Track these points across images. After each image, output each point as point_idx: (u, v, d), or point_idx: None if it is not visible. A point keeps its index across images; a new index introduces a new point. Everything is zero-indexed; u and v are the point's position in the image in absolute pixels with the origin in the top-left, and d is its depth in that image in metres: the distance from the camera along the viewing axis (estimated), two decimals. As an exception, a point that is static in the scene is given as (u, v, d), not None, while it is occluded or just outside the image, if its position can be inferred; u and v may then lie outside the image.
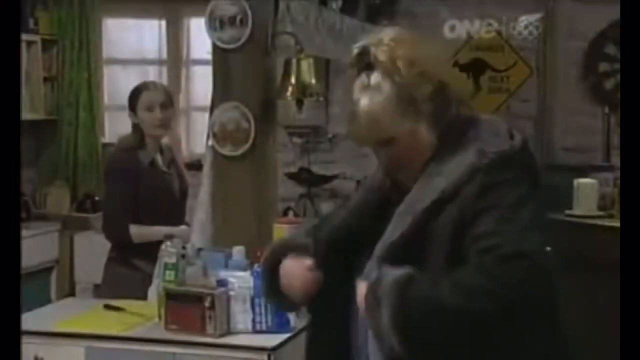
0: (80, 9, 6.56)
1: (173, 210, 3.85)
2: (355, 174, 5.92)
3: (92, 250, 5.87)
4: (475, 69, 6.01)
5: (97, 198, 6.39)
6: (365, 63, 1.87)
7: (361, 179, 2.24)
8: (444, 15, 5.98)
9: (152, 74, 6.74)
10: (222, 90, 3.47)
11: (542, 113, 6.03)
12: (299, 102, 3.53)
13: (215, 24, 3.40)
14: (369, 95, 1.85)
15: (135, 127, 3.81)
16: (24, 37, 6.17)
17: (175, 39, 6.73)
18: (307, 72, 3.52)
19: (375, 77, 1.86)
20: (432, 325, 1.73)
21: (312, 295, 1.99)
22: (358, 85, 1.87)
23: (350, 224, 2.01)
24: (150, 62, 6.81)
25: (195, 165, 5.00)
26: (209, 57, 3.53)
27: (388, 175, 1.97)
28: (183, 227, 3.81)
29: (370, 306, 1.79)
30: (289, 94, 3.51)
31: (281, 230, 3.19)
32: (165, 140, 3.96)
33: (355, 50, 1.90)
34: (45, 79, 6.56)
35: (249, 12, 3.35)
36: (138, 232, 3.70)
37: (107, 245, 3.87)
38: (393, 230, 1.86)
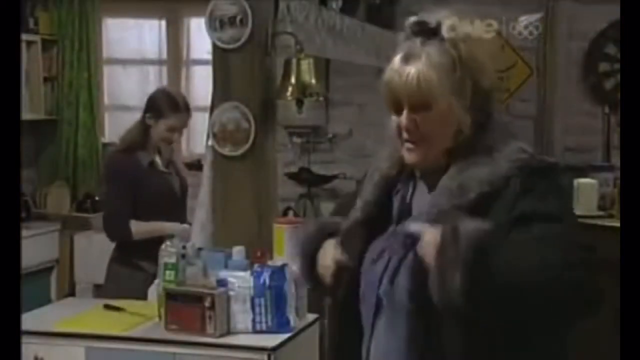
0: (80, 9, 6.56)
1: (175, 209, 3.87)
2: (355, 174, 5.91)
3: (92, 250, 5.88)
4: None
5: (97, 198, 6.39)
6: (424, 29, 1.96)
7: (360, 178, 2.18)
8: (444, 15, 5.96)
9: (152, 74, 6.75)
10: (222, 90, 3.46)
11: (542, 113, 6.03)
12: (299, 102, 3.53)
13: (215, 24, 3.39)
14: (424, 57, 1.89)
15: (146, 128, 3.81)
16: (24, 37, 6.17)
17: (175, 39, 6.73)
18: (307, 72, 3.52)
19: (434, 46, 1.93)
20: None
21: (343, 280, 1.95)
22: (408, 48, 1.91)
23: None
24: (150, 62, 6.81)
25: (195, 165, 5.00)
26: (209, 57, 3.53)
27: (409, 151, 1.91)
28: (185, 225, 3.82)
29: (444, 252, 1.71)
30: (289, 94, 3.51)
31: (281, 230, 3.19)
32: None
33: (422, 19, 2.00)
34: (45, 79, 6.55)
35: (249, 12, 3.34)
36: (137, 228, 3.71)
37: (107, 245, 3.88)
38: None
